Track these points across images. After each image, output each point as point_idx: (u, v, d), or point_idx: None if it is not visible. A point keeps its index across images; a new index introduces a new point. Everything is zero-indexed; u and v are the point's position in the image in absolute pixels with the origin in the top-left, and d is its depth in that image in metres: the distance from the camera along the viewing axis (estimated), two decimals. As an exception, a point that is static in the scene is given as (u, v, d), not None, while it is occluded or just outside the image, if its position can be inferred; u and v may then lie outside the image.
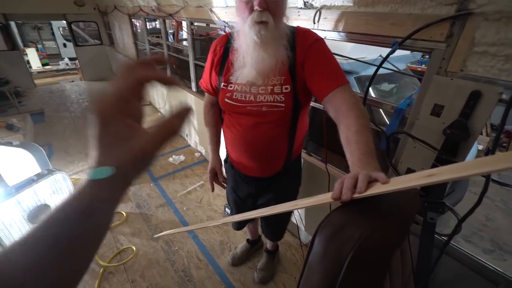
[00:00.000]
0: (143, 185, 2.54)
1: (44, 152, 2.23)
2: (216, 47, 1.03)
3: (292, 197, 1.28)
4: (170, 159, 2.95)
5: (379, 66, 1.15)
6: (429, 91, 0.98)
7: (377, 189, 0.42)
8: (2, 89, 4.09)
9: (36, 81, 6.00)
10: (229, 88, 0.97)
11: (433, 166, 1.05)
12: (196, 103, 2.73)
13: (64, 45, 8.99)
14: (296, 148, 1.09)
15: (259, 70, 0.90)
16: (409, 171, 1.15)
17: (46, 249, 0.25)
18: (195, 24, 2.61)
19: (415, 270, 1.00)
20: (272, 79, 0.91)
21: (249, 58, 0.89)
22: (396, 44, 1.01)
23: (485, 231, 1.08)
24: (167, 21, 3.23)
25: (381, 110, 1.92)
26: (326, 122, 1.34)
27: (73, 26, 5.68)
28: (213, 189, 1.26)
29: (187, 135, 3.33)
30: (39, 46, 8.24)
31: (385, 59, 1.08)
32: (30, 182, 1.80)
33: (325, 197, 0.49)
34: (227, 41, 1.00)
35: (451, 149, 0.94)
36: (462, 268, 1.00)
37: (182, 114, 0.30)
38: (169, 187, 2.52)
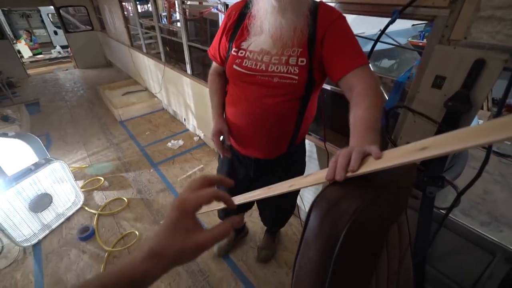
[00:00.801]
0: (143, 171, 2.55)
1: (41, 142, 2.21)
2: (231, 11, 0.97)
3: None
4: (169, 144, 2.93)
5: (377, 40, 1.10)
6: (430, 62, 0.94)
7: (370, 166, 0.41)
8: (-6, 79, 4.02)
9: (29, 71, 5.88)
10: (239, 54, 0.92)
11: (433, 140, 1.03)
12: (192, 86, 2.67)
13: (55, 33, 8.72)
14: (303, 131, 1.05)
15: (276, 37, 0.85)
16: (409, 146, 1.13)
17: None
18: (188, 3, 2.50)
19: (413, 244, 1.01)
20: (288, 49, 0.86)
21: (266, 24, 0.85)
22: (396, 12, 0.96)
23: (483, 204, 1.07)
24: (159, 2, 3.10)
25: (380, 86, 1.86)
26: (325, 100, 1.31)
27: (62, 12, 5.47)
28: (227, 153, 1.12)
29: (185, 120, 3.29)
30: (33, 37, 8.00)
31: (384, 30, 1.03)
32: (28, 171, 1.80)
33: (321, 176, 0.47)
34: (244, 6, 0.94)
35: (452, 122, 0.91)
36: (460, 240, 1.01)
37: (233, 222, 0.39)
38: (169, 172, 2.52)
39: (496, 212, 1.03)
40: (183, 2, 2.40)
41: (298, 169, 1.21)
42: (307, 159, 1.58)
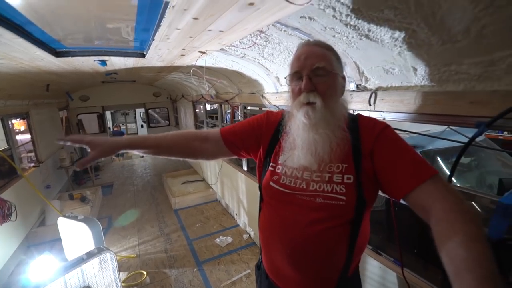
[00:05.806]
0: (187, 269, 2.38)
1: (101, 228, 2.33)
2: (270, 118, 0.94)
3: None
4: (217, 240, 2.80)
5: (466, 146, 0.92)
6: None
7: None
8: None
9: (114, 157, 7.02)
10: (276, 170, 0.84)
11: None
12: (246, 182, 2.69)
13: (142, 126, 10.77)
14: (356, 262, 0.84)
15: (313, 153, 0.77)
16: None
17: None
18: (248, 108, 2.81)
19: None
20: (330, 165, 0.76)
21: (299, 141, 0.79)
22: (483, 125, 0.82)
23: None
24: (224, 106, 3.63)
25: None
26: (398, 215, 1.09)
27: (150, 111, 6.86)
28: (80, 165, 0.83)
29: (236, 214, 3.22)
30: (123, 128, 10.10)
31: (470, 141, 0.88)
32: (80, 261, 1.81)
33: None
34: (280, 120, 0.91)
35: None
36: None
37: None
38: (213, 274, 2.30)
39: None
40: (245, 108, 2.71)
41: None
42: (379, 287, 1.24)
